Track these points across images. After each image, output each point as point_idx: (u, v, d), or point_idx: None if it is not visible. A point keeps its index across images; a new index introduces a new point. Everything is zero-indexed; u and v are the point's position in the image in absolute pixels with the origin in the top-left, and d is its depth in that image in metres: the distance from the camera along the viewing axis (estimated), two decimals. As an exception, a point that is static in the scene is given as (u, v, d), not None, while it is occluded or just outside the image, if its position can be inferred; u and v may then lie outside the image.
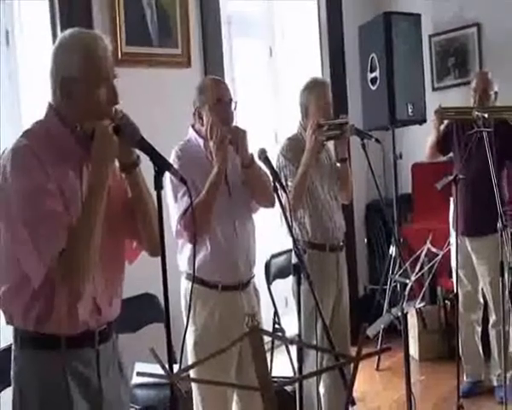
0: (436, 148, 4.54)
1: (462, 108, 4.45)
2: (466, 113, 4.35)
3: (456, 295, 3.96)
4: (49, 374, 1.96)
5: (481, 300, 4.51)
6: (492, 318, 4.40)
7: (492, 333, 4.41)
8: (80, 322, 1.98)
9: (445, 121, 4.51)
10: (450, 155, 4.61)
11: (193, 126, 3.09)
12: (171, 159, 2.93)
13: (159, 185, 1.95)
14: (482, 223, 4.19)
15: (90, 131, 1.96)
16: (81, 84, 1.96)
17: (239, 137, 2.97)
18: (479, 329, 4.55)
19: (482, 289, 4.48)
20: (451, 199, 4.39)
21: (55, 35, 3.72)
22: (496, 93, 4.38)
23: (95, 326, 2.03)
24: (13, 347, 2.02)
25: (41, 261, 1.84)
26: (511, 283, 3.69)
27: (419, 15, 5.60)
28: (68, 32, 2.06)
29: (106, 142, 1.94)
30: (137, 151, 2.05)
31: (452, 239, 4.32)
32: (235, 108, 3.04)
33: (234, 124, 3.04)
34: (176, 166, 2.84)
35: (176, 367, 1.86)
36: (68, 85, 1.97)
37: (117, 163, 2.08)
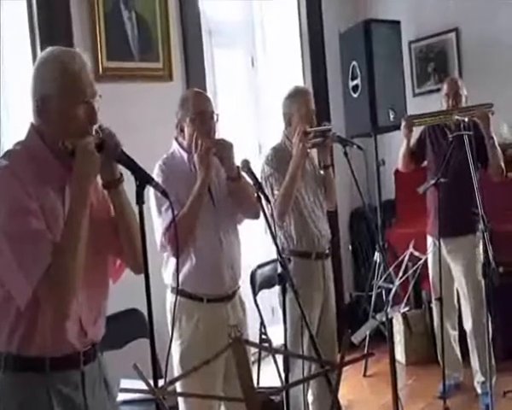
0: (409, 157, 4.56)
1: (429, 113, 4.49)
2: (434, 117, 4.41)
3: (441, 299, 4.00)
4: (33, 397, 1.94)
5: (456, 305, 4.55)
6: (468, 323, 4.41)
7: (472, 342, 4.41)
8: (66, 343, 1.97)
9: (415, 129, 4.53)
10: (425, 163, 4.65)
11: (176, 139, 3.10)
12: (155, 173, 2.94)
13: (140, 200, 1.95)
14: (458, 223, 4.26)
15: (70, 148, 1.95)
16: (58, 100, 1.96)
17: (225, 149, 2.98)
18: (455, 333, 4.58)
19: (457, 294, 4.52)
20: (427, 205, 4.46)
21: (35, 52, 3.72)
22: (466, 97, 4.44)
23: (80, 347, 2.01)
24: None
25: (27, 281, 1.83)
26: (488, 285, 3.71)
27: (398, 22, 5.65)
28: (46, 50, 2.06)
29: (87, 159, 1.93)
30: (119, 166, 2.05)
31: (429, 247, 4.38)
32: (217, 121, 3.05)
33: (216, 136, 3.05)
34: (160, 179, 2.85)
35: (161, 382, 1.87)
36: (46, 103, 1.97)
37: (100, 180, 2.08)
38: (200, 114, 2.99)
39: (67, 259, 1.86)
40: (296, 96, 3.81)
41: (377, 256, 4.74)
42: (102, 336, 2.14)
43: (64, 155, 1.98)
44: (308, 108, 3.77)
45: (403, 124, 4.47)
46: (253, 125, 5.80)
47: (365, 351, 4.84)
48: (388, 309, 3.20)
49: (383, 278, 3.45)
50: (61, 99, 1.96)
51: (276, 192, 3.60)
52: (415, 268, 3.38)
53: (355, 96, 5.54)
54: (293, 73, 5.88)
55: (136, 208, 1.97)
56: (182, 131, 3.05)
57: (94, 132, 1.99)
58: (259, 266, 4.12)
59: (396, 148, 4.80)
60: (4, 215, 1.87)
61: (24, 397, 1.94)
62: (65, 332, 1.96)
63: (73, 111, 1.96)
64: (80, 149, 1.93)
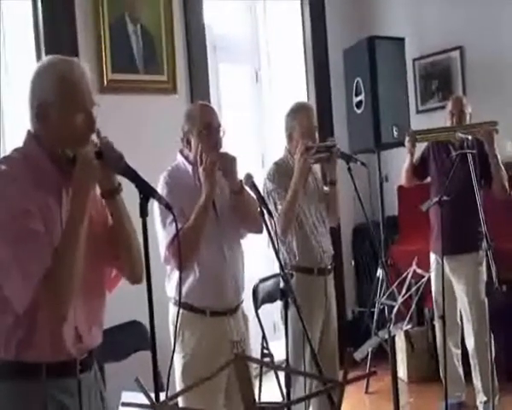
0: (412, 172, 4.58)
1: (434, 129, 4.50)
2: (438, 133, 4.43)
3: (443, 317, 3.98)
4: (30, 405, 1.93)
5: (459, 322, 4.53)
6: (471, 342, 4.39)
7: (475, 361, 4.39)
8: (63, 349, 1.97)
9: (418, 145, 4.54)
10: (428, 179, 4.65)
11: (181, 152, 3.10)
12: (160, 185, 2.94)
13: (144, 212, 1.95)
14: (461, 241, 4.25)
15: (71, 156, 1.96)
16: (57, 108, 1.97)
17: (229, 163, 2.98)
18: (458, 351, 4.56)
19: (460, 312, 4.50)
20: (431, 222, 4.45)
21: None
22: (470, 115, 4.45)
23: (76, 355, 2.01)
24: None
25: (26, 285, 1.84)
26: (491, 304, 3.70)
27: (403, 39, 5.68)
28: (45, 59, 2.09)
29: (86, 168, 1.94)
30: (123, 178, 2.05)
31: (432, 264, 4.37)
32: (223, 134, 3.05)
33: (222, 149, 3.05)
34: (164, 192, 2.86)
35: (163, 395, 1.85)
36: (45, 110, 1.98)
37: (98, 189, 2.08)
38: (207, 126, 2.99)
39: (65, 266, 1.87)
40: (298, 111, 3.82)
41: (380, 273, 4.73)
42: (99, 345, 2.13)
43: (61, 161, 1.99)
44: (310, 123, 3.77)
45: (407, 138, 4.49)
46: (256, 139, 5.81)
47: (367, 368, 4.81)
48: (391, 326, 3.18)
49: (386, 295, 3.43)
50: (60, 107, 1.97)
51: (279, 207, 3.60)
52: (418, 286, 3.36)
53: (359, 112, 5.56)
54: (297, 88, 5.89)
55: (139, 221, 1.96)
56: (188, 143, 3.04)
57: (93, 140, 1.99)
58: (262, 281, 4.10)
59: (399, 164, 4.80)
60: (3, 218, 1.87)
61: (20, 405, 1.94)
62: (62, 338, 1.97)
63: (72, 119, 1.98)
64: (80, 159, 1.94)
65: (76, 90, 1.99)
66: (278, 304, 3.50)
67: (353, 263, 6.11)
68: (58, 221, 1.95)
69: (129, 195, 2.08)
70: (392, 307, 3.20)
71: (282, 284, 2.82)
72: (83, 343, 2.03)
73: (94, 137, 2.00)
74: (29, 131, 2.03)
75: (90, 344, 2.08)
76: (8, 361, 1.95)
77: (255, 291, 4.00)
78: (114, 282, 2.24)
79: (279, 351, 3.65)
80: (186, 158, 3.06)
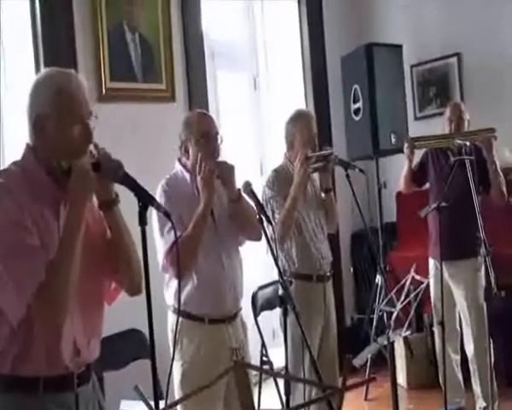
0: (411, 179, 4.59)
1: (432, 136, 4.52)
2: (436, 140, 4.44)
3: (442, 322, 3.98)
4: None
5: (458, 328, 4.53)
6: (470, 347, 4.40)
7: (474, 367, 4.39)
8: (61, 364, 1.96)
9: (417, 152, 4.56)
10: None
11: (179, 160, 3.10)
12: (158, 193, 2.94)
13: (143, 221, 1.94)
14: (460, 247, 4.25)
15: (66, 168, 1.96)
16: (54, 120, 1.97)
17: (227, 171, 2.98)
18: (457, 357, 4.56)
19: (459, 318, 4.51)
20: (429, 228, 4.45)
21: (39, 74, 3.74)
22: (468, 121, 4.46)
23: (74, 369, 2.01)
24: None
25: (20, 297, 1.83)
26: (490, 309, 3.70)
27: (400, 46, 5.69)
28: (43, 71, 2.09)
29: (82, 179, 1.94)
30: (120, 187, 2.05)
31: (431, 270, 4.37)
32: (221, 142, 3.06)
33: (220, 157, 3.05)
34: (162, 200, 2.86)
35: (162, 403, 1.85)
36: (42, 122, 1.98)
37: (96, 201, 2.08)
38: (204, 135, 3.00)
39: (61, 279, 1.87)
40: (298, 119, 3.82)
41: (379, 279, 4.73)
42: (96, 358, 2.13)
43: (58, 174, 1.99)
44: (310, 131, 3.78)
45: (405, 145, 4.50)
46: (254, 146, 5.81)
47: (366, 374, 4.81)
48: (390, 333, 3.19)
49: (385, 302, 3.43)
50: (58, 119, 1.97)
51: (276, 216, 3.60)
52: (416, 292, 3.36)
53: (357, 119, 5.57)
54: (295, 95, 5.90)
55: (137, 229, 1.96)
56: (186, 152, 3.05)
57: (89, 152, 1.99)
58: (261, 288, 4.10)
59: (397, 171, 4.81)
60: None
61: None
62: (59, 352, 1.96)
63: (69, 131, 1.98)
64: (75, 171, 1.94)
65: (73, 102, 1.99)
66: (277, 311, 3.50)
67: (352, 270, 6.11)
68: (55, 234, 1.95)
69: (128, 203, 2.08)
70: (391, 313, 3.20)
71: (281, 291, 2.82)
72: (81, 357, 2.03)
73: (91, 148, 2.00)
74: (27, 145, 2.04)
75: (88, 358, 2.08)
76: (4, 375, 1.94)
77: (254, 298, 4.00)
78: (114, 295, 2.23)
79: (278, 358, 3.64)
80: (184, 166, 3.07)
